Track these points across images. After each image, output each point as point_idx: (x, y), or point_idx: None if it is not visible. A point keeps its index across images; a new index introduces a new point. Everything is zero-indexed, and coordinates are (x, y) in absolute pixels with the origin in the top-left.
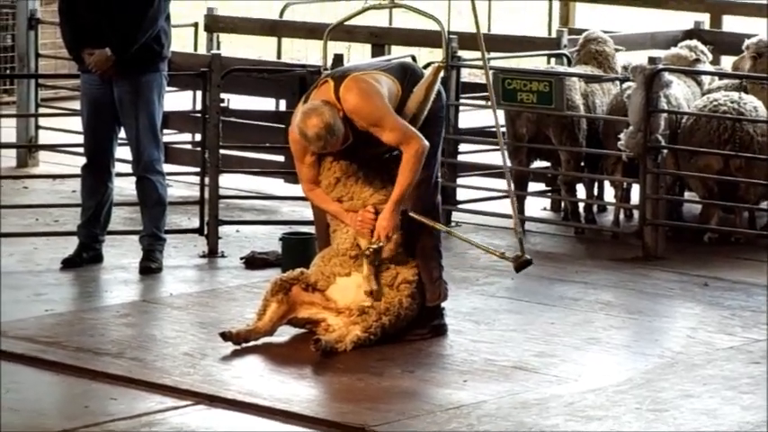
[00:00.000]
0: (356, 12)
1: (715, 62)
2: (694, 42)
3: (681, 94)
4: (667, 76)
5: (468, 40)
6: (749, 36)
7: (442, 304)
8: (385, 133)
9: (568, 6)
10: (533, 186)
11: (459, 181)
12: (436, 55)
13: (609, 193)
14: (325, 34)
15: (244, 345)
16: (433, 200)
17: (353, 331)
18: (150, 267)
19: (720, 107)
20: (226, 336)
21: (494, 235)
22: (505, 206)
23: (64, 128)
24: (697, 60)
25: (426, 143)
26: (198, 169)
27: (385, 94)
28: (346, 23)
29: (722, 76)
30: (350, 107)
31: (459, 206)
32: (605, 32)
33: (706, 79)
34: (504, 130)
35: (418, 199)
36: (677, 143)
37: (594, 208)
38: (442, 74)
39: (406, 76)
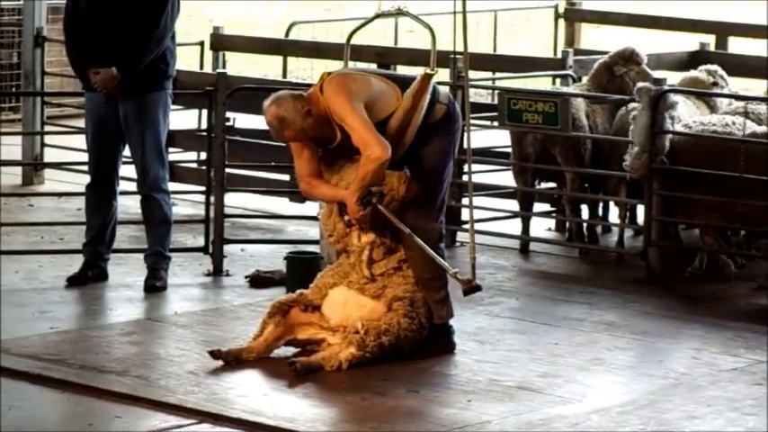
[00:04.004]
0: (369, 19)
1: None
2: (714, 67)
3: (689, 116)
4: (673, 97)
5: (474, 60)
6: (756, 58)
7: (450, 321)
8: (352, 133)
9: (574, 27)
10: (538, 207)
11: (465, 201)
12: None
13: (613, 214)
14: (346, 41)
15: (237, 363)
16: (432, 225)
17: (348, 349)
18: (155, 285)
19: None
20: (215, 354)
21: (498, 255)
22: (511, 226)
23: (69, 146)
24: (715, 84)
25: (388, 154)
26: (203, 188)
27: (367, 94)
28: (352, 42)
29: (727, 97)
30: (326, 99)
31: (465, 226)
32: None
33: (722, 105)
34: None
35: (419, 220)
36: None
37: (599, 228)
38: (432, 82)
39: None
